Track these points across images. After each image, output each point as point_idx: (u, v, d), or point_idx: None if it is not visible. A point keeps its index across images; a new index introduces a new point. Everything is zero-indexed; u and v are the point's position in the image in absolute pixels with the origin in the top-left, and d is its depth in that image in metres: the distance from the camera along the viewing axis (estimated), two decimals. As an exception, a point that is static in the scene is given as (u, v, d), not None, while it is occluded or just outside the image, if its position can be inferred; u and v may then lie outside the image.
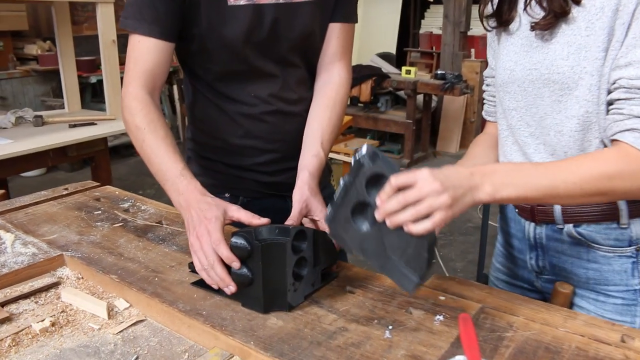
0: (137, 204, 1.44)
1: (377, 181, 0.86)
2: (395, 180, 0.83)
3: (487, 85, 1.22)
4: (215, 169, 1.36)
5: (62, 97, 3.46)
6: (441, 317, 0.94)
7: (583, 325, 0.92)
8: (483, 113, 1.24)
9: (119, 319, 0.98)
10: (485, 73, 1.22)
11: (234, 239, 0.94)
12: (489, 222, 4.11)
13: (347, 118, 4.21)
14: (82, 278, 1.11)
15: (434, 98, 6.65)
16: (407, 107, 5.95)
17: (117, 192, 1.53)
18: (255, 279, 0.94)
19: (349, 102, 6.15)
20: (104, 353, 0.88)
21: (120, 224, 1.31)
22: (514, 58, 1.06)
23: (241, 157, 1.33)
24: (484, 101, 1.23)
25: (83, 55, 5.43)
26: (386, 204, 0.83)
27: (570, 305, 1.10)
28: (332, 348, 0.85)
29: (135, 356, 0.87)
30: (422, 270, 0.84)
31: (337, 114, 1.30)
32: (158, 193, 4.87)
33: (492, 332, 0.90)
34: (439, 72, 5.90)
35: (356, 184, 0.87)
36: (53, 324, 0.95)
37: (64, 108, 3.44)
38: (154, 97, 1.19)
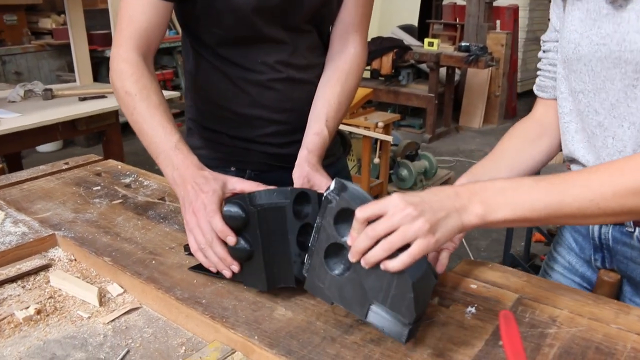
0: (140, 179, 1.34)
1: (348, 218, 0.74)
2: (360, 213, 0.70)
3: (544, 51, 1.03)
4: (220, 141, 1.24)
5: (75, 71, 3.37)
6: (473, 310, 0.82)
7: (639, 322, 0.79)
8: (535, 88, 1.05)
9: (112, 306, 0.89)
10: (545, 36, 1.02)
11: (226, 208, 0.83)
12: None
13: (367, 91, 4.05)
14: (75, 260, 1.02)
15: (457, 71, 6.43)
16: (430, 81, 5.76)
17: (119, 167, 1.43)
18: (254, 252, 0.83)
19: (369, 75, 6.00)
20: (91, 346, 0.79)
21: (120, 200, 1.21)
22: (579, 29, 0.88)
23: (247, 128, 1.22)
24: (538, 72, 1.05)
25: (98, 29, 5.33)
26: (356, 242, 0.71)
27: (617, 296, 0.97)
28: (348, 345, 0.74)
29: (125, 350, 0.78)
30: (411, 314, 0.68)
31: (349, 89, 1.18)
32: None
33: (532, 328, 0.78)
34: (462, 44, 5.68)
35: (325, 224, 0.75)
36: (39, 312, 0.86)
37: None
38: (147, 61, 1.07)
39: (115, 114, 2.83)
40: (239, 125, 1.23)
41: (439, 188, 0.76)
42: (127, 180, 1.33)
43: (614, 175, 0.72)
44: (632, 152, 0.84)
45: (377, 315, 0.72)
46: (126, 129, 5.73)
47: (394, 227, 0.69)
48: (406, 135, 5.05)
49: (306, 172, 1.00)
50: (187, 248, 0.96)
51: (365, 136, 3.67)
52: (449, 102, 6.26)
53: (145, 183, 1.31)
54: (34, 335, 0.81)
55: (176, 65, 6.30)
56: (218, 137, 1.25)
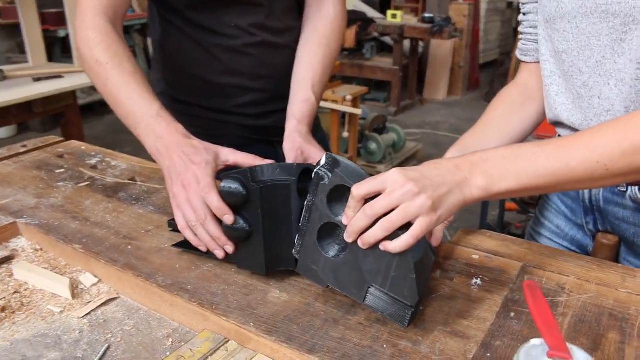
0: (107, 159, 1.25)
1: (342, 195, 0.69)
2: (357, 190, 0.65)
3: (524, 14, 0.98)
4: (193, 114, 1.16)
5: (26, 51, 3.17)
6: (479, 281, 0.78)
7: (648, 284, 0.77)
8: (517, 52, 1.01)
9: (86, 298, 0.81)
10: None
11: (224, 184, 0.75)
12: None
13: (335, 64, 3.96)
14: (41, 250, 0.93)
15: (420, 44, 6.39)
16: (394, 53, 5.71)
17: (83, 147, 1.33)
18: (254, 232, 0.76)
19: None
20: (66, 343, 0.71)
21: (87, 183, 1.12)
22: None
23: (222, 98, 1.14)
24: (520, 36, 1.00)
25: (50, 7, 5.05)
26: (352, 221, 0.65)
27: (616, 259, 0.94)
28: (353, 326, 0.68)
29: (105, 345, 0.70)
30: (413, 296, 0.64)
31: (331, 53, 1.11)
32: (136, 150, 4.63)
33: (542, 297, 0.74)
34: (426, 15, 5.63)
35: (318, 203, 0.69)
36: (3, 309, 0.77)
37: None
38: (115, 27, 0.98)
39: (73, 94, 2.68)
40: (213, 95, 1.15)
41: (437, 162, 0.71)
42: (93, 162, 1.23)
43: (618, 134, 0.67)
44: (621, 110, 0.80)
45: (376, 298, 0.67)
46: (86, 112, 5.51)
47: (393, 204, 0.64)
48: (371, 109, 4.99)
49: (299, 143, 0.93)
50: (171, 224, 0.88)
51: (333, 110, 3.60)
52: (414, 74, 6.23)
53: (113, 163, 1.22)
54: (0, 336, 0.73)
55: (134, 45, 6.05)
56: (190, 110, 1.16)
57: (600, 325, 0.69)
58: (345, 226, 0.67)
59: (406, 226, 0.64)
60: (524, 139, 0.98)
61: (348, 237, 0.67)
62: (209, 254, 0.82)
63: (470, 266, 0.82)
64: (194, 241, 0.80)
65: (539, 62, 0.95)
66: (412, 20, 5.88)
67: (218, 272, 0.80)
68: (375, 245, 0.65)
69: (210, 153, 0.83)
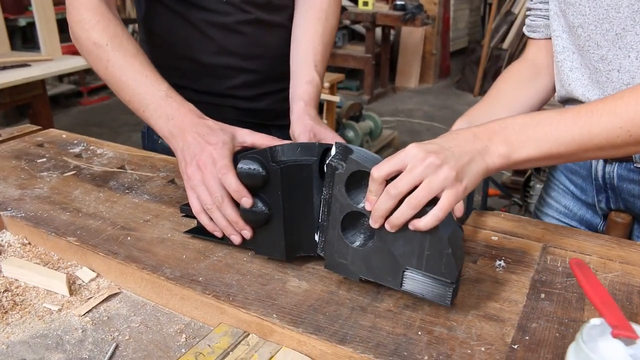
0: (91, 147, 1.17)
1: (360, 182, 0.65)
2: (377, 171, 0.61)
3: None
4: (184, 98, 1.10)
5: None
6: (502, 263, 0.75)
7: (673, 261, 0.75)
8: (525, 29, 0.99)
9: (85, 294, 0.75)
10: None
11: (242, 164, 0.71)
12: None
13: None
14: (30, 244, 0.86)
15: (392, 32, 6.38)
16: (366, 41, 5.68)
17: (64, 136, 1.25)
18: (273, 216, 0.72)
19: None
20: (69, 344, 0.65)
21: (73, 172, 1.05)
22: None
23: (214, 79, 1.08)
24: (528, 12, 0.98)
25: (7, -6, 4.82)
26: (376, 205, 0.62)
27: (630, 237, 0.93)
28: (382, 314, 0.64)
29: (113, 345, 0.65)
30: (452, 272, 0.61)
31: (330, 28, 1.06)
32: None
33: (569, 277, 0.72)
34: (398, 2, 5.61)
35: (336, 194, 0.66)
36: (-6, 308, 0.71)
37: (-11, 51, 3.01)
38: (110, 5, 0.92)
39: (41, 84, 2.56)
40: (205, 76, 1.09)
41: (455, 132, 0.68)
42: (77, 150, 1.15)
43: None
44: None
45: (414, 281, 0.63)
46: (51, 104, 5.32)
47: (417, 181, 0.60)
48: (345, 98, 4.97)
49: (309, 126, 0.88)
50: (184, 209, 0.82)
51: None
52: (386, 62, 6.22)
53: (98, 151, 1.15)
54: (-6, 337, 0.66)
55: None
56: (182, 93, 1.09)
57: (632, 304, 0.67)
58: (369, 212, 0.63)
59: (432, 202, 0.61)
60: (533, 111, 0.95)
61: (374, 222, 0.63)
62: (224, 240, 0.77)
63: (491, 248, 0.79)
64: (209, 226, 0.75)
65: (548, 38, 0.93)
66: (384, 8, 5.85)
67: (229, 262, 0.75)
68: (404, 227, 0.61)
69: (227, 133, 0.78)
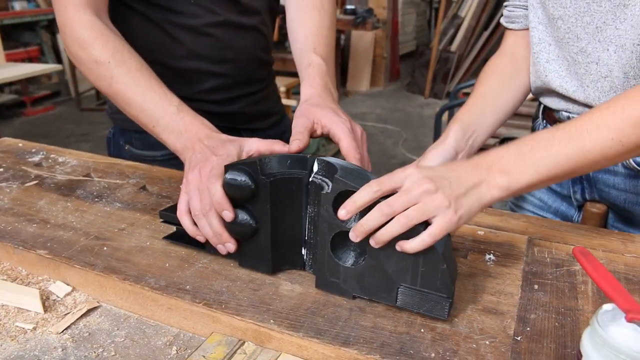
0: (52, 155, 1.11)
1: (346, 199, 0.63)
2: (378, 185, 0.60)
3: None
4: None
5: None
6: (492, 257, 0.75)
7: (653, 247, 0.77)
8: (503, 20, 0.98)
9: (61, 310, 0.70)
10: None
11: (230, 175, 0.67)
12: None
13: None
14: (-7, 259, 0.80)
15: (342, 36, 6.43)
16: (319, 45, 5.69)
17: (20, 144, 1.18)
18: (260, 229, 0.69)
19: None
20: (50, 363, 0.60)
21: (35, 181, 0.98)
22: None
23: (183, 84, 1.04)
24: (506, 3, 0.98)
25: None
26: (365, 220, 0.60)
27: (604, 226, 0.96)
28: (382, 313, 0.63)
29: (99, 361, 0.60)
30: (448, 287, 0.60)
31: (328, 15, 1.01)
32: (54, 155, 4.31)
33: (558, 267, 0.73)
34: (348, 7, 5.66)
35: (323, 214, 0.64)
36: (-39, 331, 0.65)
37: None
38: (104, 20, 0.88)
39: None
40: (173, 80, 1.05)
41: (454, 163, 0.68)
42: (36, 159, 1.09)
43: (628, 107, 0.66)
44: (619, 76, 0.80)
45: (409, 297, 0.62)
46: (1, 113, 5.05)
47: (411, 202, 0.60)
48: (297, 101, 4.96)
49: (311, 120, 0.79)
50: (163, 214, 0.78)
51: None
52: (337, 67, 6.25)
53: (60, 160, 1.09)
54: (-37, 362, 0.61)
55: (41, 42, 5.62)
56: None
57: (621, 291, 0.68)
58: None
59: (422, 225, 0.60)
60: (516, 109, 0.96)
61: (356, 236, 0.61)
62: (205, 248, 0.74)
63: (479, 242, 0.79)
64: (190, 231, 0.72)
65: (527, 29, 0.93)
66: (334, 12, 5.88)
67: (216, 268, 0.72)
68: (392, 244, 0.60)
69: (236, 145, 0.75)
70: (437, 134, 2.31)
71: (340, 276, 0.65)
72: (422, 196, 0.60)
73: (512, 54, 0.97)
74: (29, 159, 1.09)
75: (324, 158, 0.67)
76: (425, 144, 2.15)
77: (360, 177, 0.63)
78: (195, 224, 0.72)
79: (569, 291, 0.67)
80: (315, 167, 0.68)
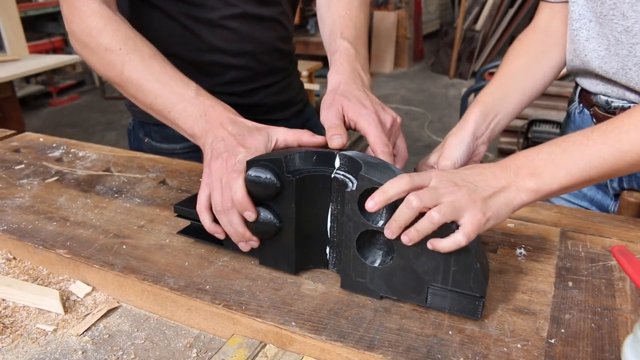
0: (72, 150, 1.11)
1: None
2: (409, 177, 0.57)
3: None
4: None
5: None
6: (523, 251, 0.72)
7: (697, 239, 0.73)
8: None
9: (81, 310, 0.69)
10: None
11: (253, 172, 0.64)
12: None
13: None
14: (14, 259, 0.80)
15: (365, 16, 6.33)
16: (340, 27, 5.61)
17: (41, 139, 1.18)
18: (284, 228, 0.66)
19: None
20: (70, 367, 0.60)
21: (55, 177, 0.98)
22: None
23: (202, 76, 1.01)
24: None
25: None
26: (396, 215, 0.57)
27: (640, 216, 0.91)
28: (408, 314, 0.60)
29: (119, 365, 0.59)
30: (481, 286, 0.57)
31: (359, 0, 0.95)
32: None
33: (593, 263, 0.69)
34: (369, -14, 5.55)
35: (348, 212, 0.61)
36: (-17, 333, 0.65)
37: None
38: (113, 8, 0.86)
39: (10, 85, 2.45)
40: (192, 74, 1.03)
41: (481, 166, 0.64)
42: (57, 154, 1.09)
43: None
44: None
45: (440, 297, 0.59)
46: (24, 105, 5.14)
47: (439, 200, 0.57)
48: (323, 85, 4.91)
49: (341, 111, 0.74)
50: (177, 209, 0.76)
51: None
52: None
53: (80, 154, 1.08)
54: (-15, 365, 0.61)
55: (64, 32, 5.68)
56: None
57: (663, 287, 0.64)
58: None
59: (452, 224, 0.57)
60: (545, 89, 0.92)
61: (392, 233, 0.58)
62: (221, 244, 0.72)
63: (509, 235, 0.76)
64: (210, 228, 0.70)
65: (565, 1, 0.88)
66: (355, -7, 5.79)
67: (236, 267, 0.70)
68: (423, 243, 0.57)
69: (264, 135, 0.72)
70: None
71: (367, 276, 0.62)
72: (449, 195, 0.57)
73: (546, 29, 0.92)
74: (50, 154, 1.09)
75: (346, 153, 0.64)
76: (450, 126, 2.10)
77: (384, 172, 0.60)
78: (214, 220, 0.70)
79: (606, 289, 0.64)
80: (337, 163, 0.65)
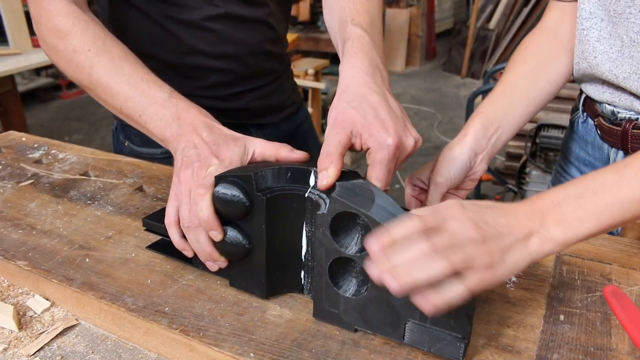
0: (52, 151, 1.07)
1: (348, 223, 0.55)
2: (421, 221, 0.48)
3: None
4: None
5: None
6: (514, 279, 0.66)
7: None
8: None
9: (37, 328, 0.65)
10: None
11: (221, 188, 0.59)
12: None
13: (291, 37, 3.78)
14: (-24, 267, 0.76)
15: (377, 14, 6.26)
16: (352, 25, 5.55)
17: (23, 139, 1.14)
18: (254, 250, 0.61)
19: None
20: (13, 394, 0.55)
21: (30, 181, 0.94)
22: None
23: (183, 80, 0.97)
24: None
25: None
26: (392, 254, 0.48)
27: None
28: (378, 348, 0.55)
29: (65, 393, 0.55)
30: (464, 326, 0.51)
31: None
32: (87, 138, 4.37)
33: (589, 293, 0.63)
34: (382, -17, 5.48)
35: (320, 237, 0.55)
36: None
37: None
38: (82, 7, 0.81)
39: (10, 79, 2.43)
40: (172, 77, 0.98)
41: (505, 206, 0.55)
42: (37, 155, 1.05)
43: None
44: None
45: (418, 335, 0.53)
46: (28, 99, 5.15)
47: (454, 249, 0.49)
48: (330, 83, 4.85)
49: (348, 131, 0.61)
50: (147, 223, 0.71)
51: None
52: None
53: (60, 156, 1.04)
54: None
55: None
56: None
57: (664, 323, 0.58)
58: (359, 257, 0.53)
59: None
60: (552, 98, 0.85)
61: (374, 272, 0.48)
62: (191, 262, 0.67)
63: (499, 259, 0.70)
64: (178, 244, 0.65)
65: (575, 0, 0.81)
66: (368, -10, 5.72)
67: (201, 287, 0.65)
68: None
69: (240, 146, 0.66)
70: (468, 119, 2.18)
71: (340, 307, 0.57)
72: (466, 244, 0.49)
73: (555, 31, 0.85)
74: (30, 155, 1.05)
75: None
76: (460, 127, 2.04)
77: (362, 195, 0.55)
78: (184, 236, 0.66)
79: (601, 324, 0.58)
80: (312, 181, 0.60)
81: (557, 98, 2.78)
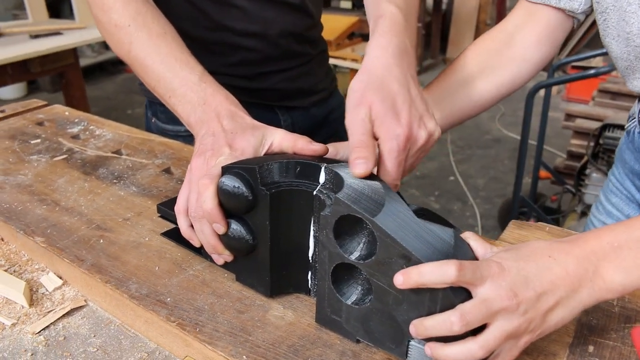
0: (91, 127, 1.08)
1: (352, 227, 0.50)
2: (458, 270, 0.44)
3: None
4: None
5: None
6: (541, 296, 0.60)
7: None
8: None
9: (46, 305, 0.65)
10: None
11: (225, 179, 0.56)
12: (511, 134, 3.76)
13: (352, 20, 3.71)
14: (1, 240, 0.77)
15: (444, 0, 6.07)
16: (417, 9, 5.40)
17: (66, 113, 1.16)
18: (259, 246, 0.58)
19: (351, 6, 5.61)
20: (10, 372, 0.56)
21: (64, 156, 0.95)
22: None
23: (208, 55, 0.94)
24: None
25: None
26: (432, 325, 0.45)
27: None
28: (378, 364, 0.51)
29: (59, 376, 0.55)
30: None
31: None
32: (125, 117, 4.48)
33: (628, 323, 0.57)
34: (452, -32, 5.29)
35: (323, 240, 0.51)
36: (-59, 320, 0.62)
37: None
38: None
39: (73, 52, 2.50)
40: (199, 53, 0.96)
41: (553, 257, 0.48)
42: (75, 130, 1.06)
43: None
44: None
45: (422, 355, 0.49)
46: (97, 71, 5.34)
47: (486, 319, 0.45)
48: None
49: (369, 120, 0.57)
50: (160, 209, 0.70)
51: (352, 70, 3.38)
52: (437, 32, 5.93)
53: (97, 132, 1.05)
54: None
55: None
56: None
57: None
58: (363, 265, 0.49)
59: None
60: (493, 104, 0.80)
61: (416, 331, 0.47)
62: (200, 253, 0.66)
63: (529, 274, 0.64)
64: (185, 233, 0.63)
65: (547, 5, 0.75)
66: (436, -26, 5.55)
67: (206, 279, 0.63)
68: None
69: (257, 136, 0.63)
70: (527, 113, 2.06)
71: (342, 315, 0.53)
72: (500, 313, 0.45)
73: (512, 36, 0.79)
74: (69, 130, 1.06)
75: (333, 167, 0.55)
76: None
77: (372, 197, 0.50)
78: (192, 225, 0.64)
79: None
80: (322, 178, 0.56)
81: (627, 96, 2.58)
